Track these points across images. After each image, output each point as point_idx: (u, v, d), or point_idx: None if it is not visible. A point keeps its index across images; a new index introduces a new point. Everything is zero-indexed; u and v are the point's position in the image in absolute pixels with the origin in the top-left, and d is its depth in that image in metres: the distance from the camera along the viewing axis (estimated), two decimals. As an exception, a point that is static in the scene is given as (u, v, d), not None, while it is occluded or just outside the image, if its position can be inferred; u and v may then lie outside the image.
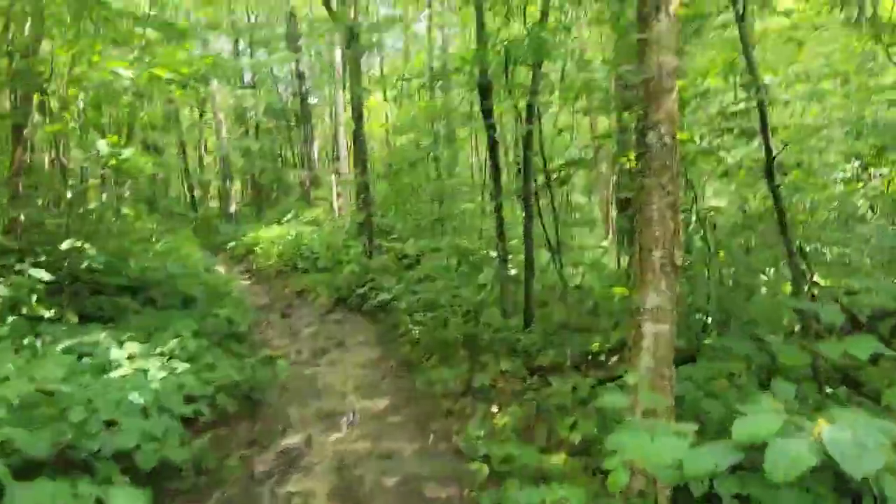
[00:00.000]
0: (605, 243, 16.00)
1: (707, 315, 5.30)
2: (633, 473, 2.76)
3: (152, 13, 7.78)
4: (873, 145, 6.07)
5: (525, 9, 7.55)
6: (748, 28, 4.68)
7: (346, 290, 10.78)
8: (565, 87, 6.39)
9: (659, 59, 3.08)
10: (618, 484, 2.42)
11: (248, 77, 27.70)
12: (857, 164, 6.63)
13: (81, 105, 8.02)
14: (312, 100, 26.57)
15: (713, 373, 3.96)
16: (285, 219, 18.19)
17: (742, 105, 4.91)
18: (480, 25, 7.35)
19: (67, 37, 6.76)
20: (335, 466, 4.43)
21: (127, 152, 7.07)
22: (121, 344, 5.32)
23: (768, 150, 4.37)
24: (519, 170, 15.60)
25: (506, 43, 6.75)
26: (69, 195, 7.28)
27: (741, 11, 4.39)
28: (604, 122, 17.24)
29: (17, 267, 6.11)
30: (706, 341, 4.94)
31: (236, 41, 26.44)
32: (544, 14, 6.98)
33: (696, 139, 5.56)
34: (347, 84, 15.47)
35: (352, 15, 11.94)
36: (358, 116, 12.13)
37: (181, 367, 5.14)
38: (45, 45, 7.45)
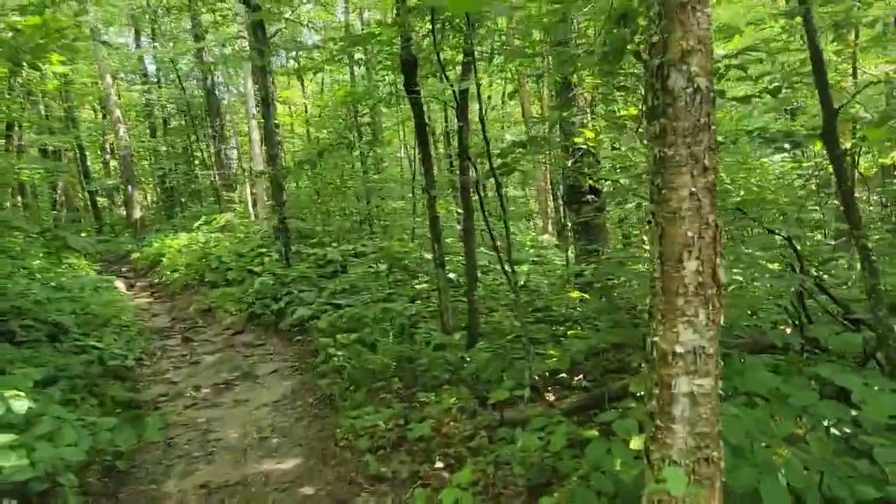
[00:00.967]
0: (544, 238, 15.09)
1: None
2: None
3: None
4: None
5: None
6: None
7: (260, 306, 9.30)
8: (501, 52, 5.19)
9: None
10: None
11: (151, 70, 25.42)
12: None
13: None
14: (226, 95, 24.61)
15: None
16: (195, 225, 16.37)
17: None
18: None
19: None
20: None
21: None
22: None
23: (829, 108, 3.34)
24: (451, 162, 14.48)
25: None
26: None
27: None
28: (536, 108, 16.33)
29: None
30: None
31: (137, 33, 24.08)
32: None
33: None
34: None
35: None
36: (265, 105, 10.62)
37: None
38: None
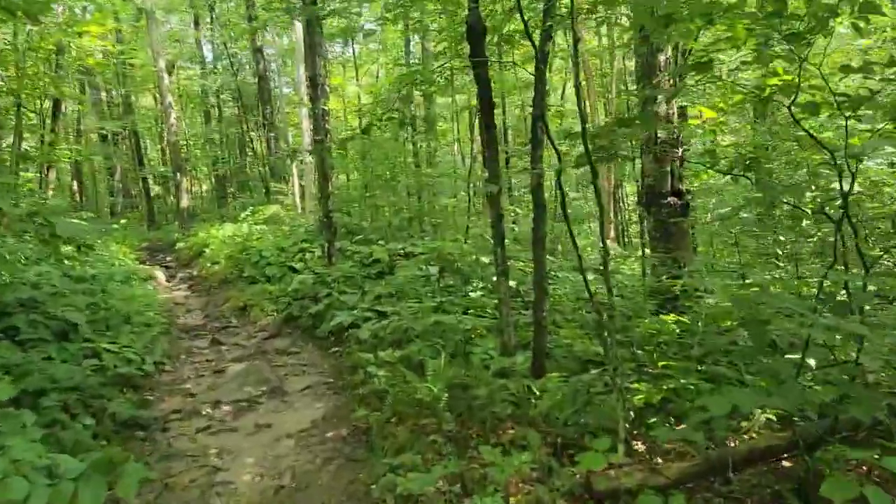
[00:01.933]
0: (611, 245, 13.78)
1: None
2: None
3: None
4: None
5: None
6: None
7: (297, 307, 8.43)
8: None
9: None
10: None
11: (209, 58, 25.15)
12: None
13: None
14: (279, 81, 24.05)
15: None
16: (242, 216, 15.74)
17: None
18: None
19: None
20: None
21: None
22: None
23: None
24: (507, 160, 13.33)
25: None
26: None
27: None
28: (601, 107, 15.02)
29: None
30: None
31: (196, 21, 23.77)
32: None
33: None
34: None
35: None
36: (315, 89, 9.74)
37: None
38: None
